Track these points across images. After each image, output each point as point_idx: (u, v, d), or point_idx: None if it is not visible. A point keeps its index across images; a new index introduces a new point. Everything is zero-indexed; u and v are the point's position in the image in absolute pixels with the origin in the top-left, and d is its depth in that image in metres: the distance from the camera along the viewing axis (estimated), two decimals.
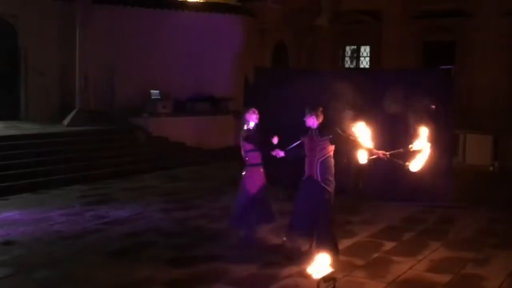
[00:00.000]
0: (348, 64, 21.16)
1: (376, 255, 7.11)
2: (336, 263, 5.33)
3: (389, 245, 7.55)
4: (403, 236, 8.06)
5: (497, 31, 17.36)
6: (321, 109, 6.75)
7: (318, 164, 6.61)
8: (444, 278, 6.32)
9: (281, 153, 6.97)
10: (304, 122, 6.73)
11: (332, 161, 6.69)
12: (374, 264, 6.74)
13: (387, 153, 6.48)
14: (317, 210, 6.63)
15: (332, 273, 5.12)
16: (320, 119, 6.70)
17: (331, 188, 6.67)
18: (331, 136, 6.55)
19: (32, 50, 14.98)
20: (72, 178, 11.21)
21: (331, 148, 6.63)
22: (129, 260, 6.71)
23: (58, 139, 12.87)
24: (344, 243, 7.43)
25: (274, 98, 10.93)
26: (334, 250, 6.47)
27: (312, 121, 6.68)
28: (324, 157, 6.61)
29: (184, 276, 6.24)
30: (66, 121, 14.44)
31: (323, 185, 6.60)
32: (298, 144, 6.81)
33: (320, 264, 5.13)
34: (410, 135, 6.56)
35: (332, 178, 6.68)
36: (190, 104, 16.41)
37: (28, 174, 10.77)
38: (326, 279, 5.08)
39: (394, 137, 10.15)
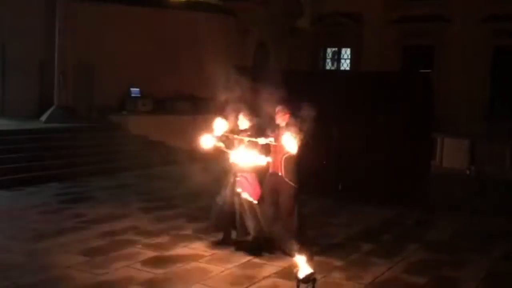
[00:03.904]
0: (329, 66, 21.31)
1: (354, 256, 7.16)
2: (310, 263, 5.31)
3: (367, 246, 7.61)
4: (381, 238, 8.13)
5: (475, 37, 17.60)
6: (289, 107, 6.83)
7: (283, 160, 6.77)
8: (421, 280, 6.40)
9: None
10: (274, 119, 6.86)
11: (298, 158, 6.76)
12: (352, 266, 6.78)
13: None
14: (282, 205, 6.81)
15: (311, 274, 5.13)
16: (288, 117, 6.80)
17: (296, 183, 6.83)
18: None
19: (11, 46, 14.76)
20: (49, 176, 11.06)
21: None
22: (107, 259, 6.65)
23: (35, 135, 12.69)
24: (322, 245, 7.47)
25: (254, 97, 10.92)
26: (303, 248, 6.43)
27: (281, 119, 6.81)
28: (289, 154, 6.71)
29: (162, 276, 6.20)
30: (43, 118, 14.25)
31: (287, 180, 6.78)
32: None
33: (300, 265, 5.14)
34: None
35: (296, 175, 6.82)
36: (171, 103, 16.32)
37: (3, 171, 10.59)
38: (306, 280, 5.09)
39: (371, 137, 10.30)
